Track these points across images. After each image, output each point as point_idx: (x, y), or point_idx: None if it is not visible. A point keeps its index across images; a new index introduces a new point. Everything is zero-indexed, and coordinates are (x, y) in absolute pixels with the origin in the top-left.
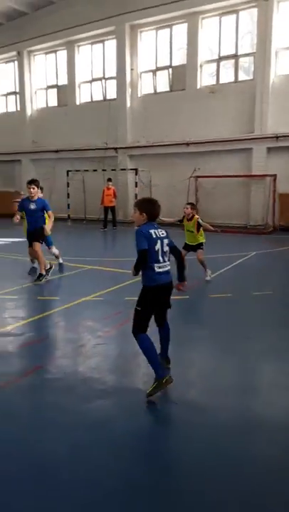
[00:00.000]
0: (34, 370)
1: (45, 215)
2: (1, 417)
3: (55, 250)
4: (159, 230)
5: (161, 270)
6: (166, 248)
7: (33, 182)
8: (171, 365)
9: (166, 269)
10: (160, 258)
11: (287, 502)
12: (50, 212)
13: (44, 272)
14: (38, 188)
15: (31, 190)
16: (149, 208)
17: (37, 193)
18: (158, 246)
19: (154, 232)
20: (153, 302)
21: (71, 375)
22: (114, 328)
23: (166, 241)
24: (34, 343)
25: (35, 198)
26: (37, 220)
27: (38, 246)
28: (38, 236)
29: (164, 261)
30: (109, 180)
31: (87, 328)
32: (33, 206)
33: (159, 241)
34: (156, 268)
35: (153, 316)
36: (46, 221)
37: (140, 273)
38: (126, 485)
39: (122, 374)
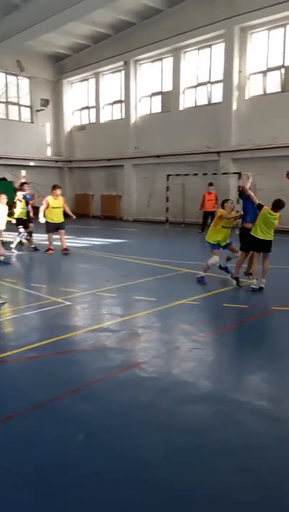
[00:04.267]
0: (130, 367)
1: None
2: (98, 409)
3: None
4: None
5: None
6: None
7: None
8: (275, 378)
9: None
10: None
11: None
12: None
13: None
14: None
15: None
16: None
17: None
18: None
19: None
20: None
21: (166, 377)
22: (210, 333)
23: None
24: (130, 341)
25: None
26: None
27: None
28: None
29: None
30: (211, 184)
31: (183, 331)
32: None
33: None
34: None
35: None
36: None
37: None
38: (215, 498)
39: (216, 381)
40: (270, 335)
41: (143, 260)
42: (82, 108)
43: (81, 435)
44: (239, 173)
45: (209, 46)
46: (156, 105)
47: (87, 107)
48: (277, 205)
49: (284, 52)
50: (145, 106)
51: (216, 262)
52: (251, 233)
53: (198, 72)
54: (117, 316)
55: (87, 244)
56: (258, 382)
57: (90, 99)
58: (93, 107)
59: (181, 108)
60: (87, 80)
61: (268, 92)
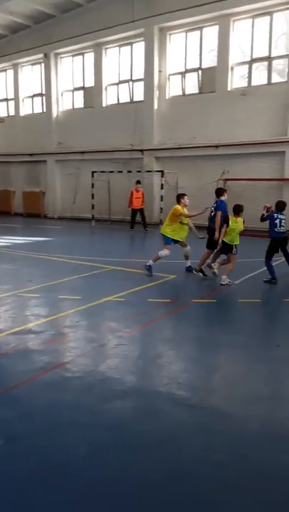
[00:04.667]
0: (54, 368)
1: None
2: (20, 413)
3: None
4: None
5: None
6: None
7: None
8: (194, 367)
9: None
10: None
11: None
12: None
13: None
14: None
15: None
16: None
17: None
18: None
19: None
20: None
21: (91, 375)
22: (135, 329)
23: None
24: (55, 342)
25: None
26: None
27: None
28: None
29: None
30: (138, 182)
31: (108, 328)
32: None
33: None
34: None
35: None
36: None
37: None
38: (138, 487)
39: (141, 375)
40: (190, 326)
41: (68, 258)
42: (0, 100)
43: (1, 441)
44: (162, 171)
45: (130, 44)
46: (78, 100)
47: (6, 99)
48: (238, 210)
49: (200, 55)
50: (67, 101)
51: (165, 255)
52: (228, 242)
53: (119, 69)
54: (40, 316)
55: (8, 243)
56: (178, 373)
57: (9, 91)
58: (12, 99)
59: (104, 104)
60: (4, 70)
61: (187, 92)
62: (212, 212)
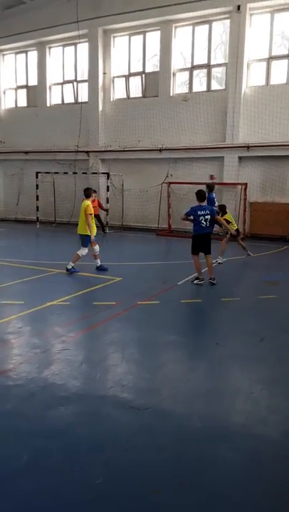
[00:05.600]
0: None
1: None
2: None
3: None
4: None
5: None
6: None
7: None
8: (138, 368)
9: None
10: None
11: (237, 504)
12: None
13: None
14: None
15: None
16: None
17: None
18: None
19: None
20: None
21: (33, 382)
22: (79, 333)
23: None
24: None
25: None
26: None
27: None
28: None
29: None
30: (94, 191)
31: (52, 334)
32: None
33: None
34: None
35: None
36: None
37: None
38: (84, 493)
39: (85, 380)
40: (135, 328)
41: (10, 262)
42: None
43: None
44: (108, 174)
45: (74, 44)
46: (22, 99)
47: None
48: (223, 210)
49: (144, 59)
50: (10, 99)
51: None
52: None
53: (64, 69)
54: None
55: None
56: (122, 376)
57: None
58: None
59: (48, 104)
60: None
61: (131, 96)
62: (205, 216)
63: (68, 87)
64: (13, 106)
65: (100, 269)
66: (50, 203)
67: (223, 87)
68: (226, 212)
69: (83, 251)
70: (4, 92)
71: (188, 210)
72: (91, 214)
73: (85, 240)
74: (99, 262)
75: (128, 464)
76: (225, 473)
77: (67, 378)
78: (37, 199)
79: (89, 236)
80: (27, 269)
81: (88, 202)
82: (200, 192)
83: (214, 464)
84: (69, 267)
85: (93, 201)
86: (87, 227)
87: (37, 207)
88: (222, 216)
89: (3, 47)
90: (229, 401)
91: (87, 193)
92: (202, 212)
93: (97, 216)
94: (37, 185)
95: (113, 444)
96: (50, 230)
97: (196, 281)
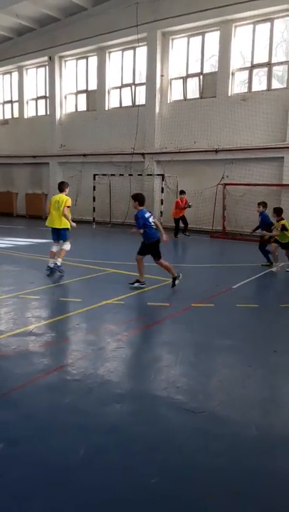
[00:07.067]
0: (54, 371)
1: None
2: (20, 415)
3: None
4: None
5: None
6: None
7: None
8: (192, 371)
9: None
10: None
11: None
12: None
13: None
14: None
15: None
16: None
17: None
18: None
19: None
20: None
21: (90, 378)
22: (134, 332)
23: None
24: (55, 344)
25: None
26: None
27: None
28: None
29: None
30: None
31: (107, 332)
32: None
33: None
34: None
35: None
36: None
37: None
38: (139, 492)
39: (140, 379)
40: (189, 330)
41: (68, 261)
42: (5, 102)
43: (1, 444)
44: (163, 175)
45: (133, 48)
46: (82, 103)
47: (10, 101)
48: (279, 213)
49: (202, 60)
50: (71, 103)
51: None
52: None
53: (122, 73)
54: (41, 318)
55: (10, 245)
56: (177, 377)
57: (14, 93)
58: (16, 101)
59: (106, 108)
60: (10, 73)
61: (188, 97)
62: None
63: (126, 91)
64: (74, 110)
65: (56, 269)
66: (105, 204)
67: (285, 86)
68: (283, 219)
69: (67, 245)
70: (65, 97)
71: (139, 221)
72: (69, 207)
73: (63, 234)
74: (59, 262)
75: (182, 466)
76: (283, 486)
77: (122, 376)
78: (94, 200)
79: (67, 229)
80: (83, 268)
81: (66, 196)
82: (142, 196)
83: (272, 475)
84: (58, 263)
85: (182, 200)
86: (66, 220)
87: (93, 208)
88: (278, 221)
89: (65, 53)
90: (287, 411)
91: (62, 187)
92: (148, 215)
93: (182, 218)
94: (94, 187)
95: (167, 445)
96: (105, 231)
97: (136, 284)
